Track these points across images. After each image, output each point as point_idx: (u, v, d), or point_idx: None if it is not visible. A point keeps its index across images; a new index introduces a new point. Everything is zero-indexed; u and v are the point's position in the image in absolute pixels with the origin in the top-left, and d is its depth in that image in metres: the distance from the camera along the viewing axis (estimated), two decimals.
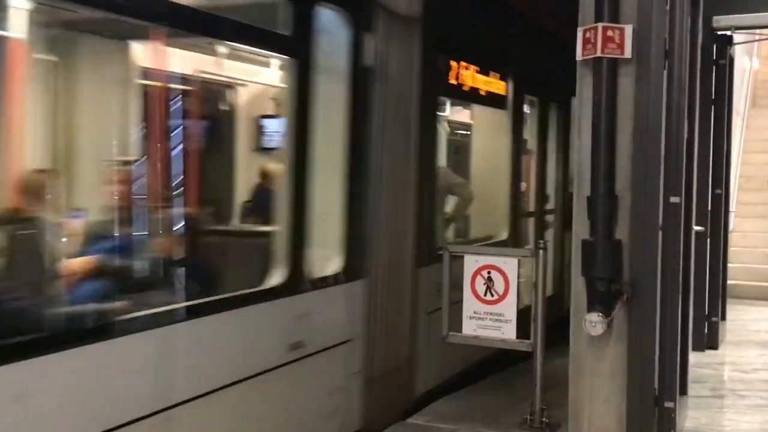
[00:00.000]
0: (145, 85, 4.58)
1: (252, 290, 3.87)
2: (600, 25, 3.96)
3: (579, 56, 4.09)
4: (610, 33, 3.95)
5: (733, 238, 9.92)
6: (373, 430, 4.66)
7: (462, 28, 6.11)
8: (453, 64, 6.06)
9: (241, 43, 4.51)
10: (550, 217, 8.27)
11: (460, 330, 4.93)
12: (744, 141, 12.34)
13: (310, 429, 4.21)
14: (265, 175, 5.87)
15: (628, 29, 3.96)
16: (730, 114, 7.50)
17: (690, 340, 5.29)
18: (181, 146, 4.87)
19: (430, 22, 5.19)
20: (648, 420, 4.14)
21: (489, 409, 5.17)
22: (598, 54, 3.97)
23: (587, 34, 4.01)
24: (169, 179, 4.49)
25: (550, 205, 8.31)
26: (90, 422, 2.92)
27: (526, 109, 7.56)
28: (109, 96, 4.95)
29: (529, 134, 7.81)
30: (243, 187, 6.32)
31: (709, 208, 6.78)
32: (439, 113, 6.36)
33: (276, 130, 6.24)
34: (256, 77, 6.31)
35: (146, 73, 4.52)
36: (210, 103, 6.08)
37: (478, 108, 7.50)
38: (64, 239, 3.66)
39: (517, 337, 4.81)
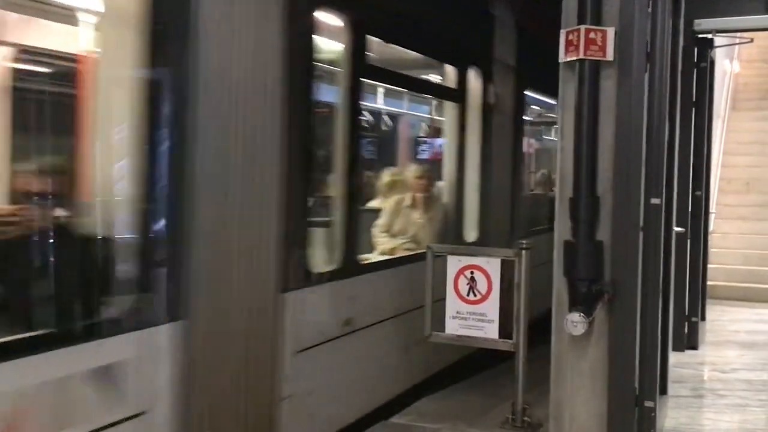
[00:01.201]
0: None
1: None
2: (582, 27, 3.99)
3: (562, 58, 4.12)
4: (592, 35, 3.98)
5: (713, 240, 10.01)
6: None
7: None
8: None
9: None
10: None
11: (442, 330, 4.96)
12: (724, 143, 12.47)
13: None
14: None
15: (610, 32, 4.00)
16: (710, 117, 7.57)
17: (670, 340, 5.34)
18: None
19: None
20: (628, 419, 4.17)
21: (471, 408, 5.19)
22: (581, 56, 4.00)
23: (570, 36, 4.04)
24: None
25: None
26: None
27: None
28: None
29: None
30: None
31: (690, 210, 6.85)
32: None
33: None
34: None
35: None
36: None
37: None
38: None
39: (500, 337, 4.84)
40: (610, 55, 4.01)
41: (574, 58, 4.03)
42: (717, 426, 4.89)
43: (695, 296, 7.06)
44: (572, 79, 4.12)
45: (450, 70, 6.44)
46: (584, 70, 4.04)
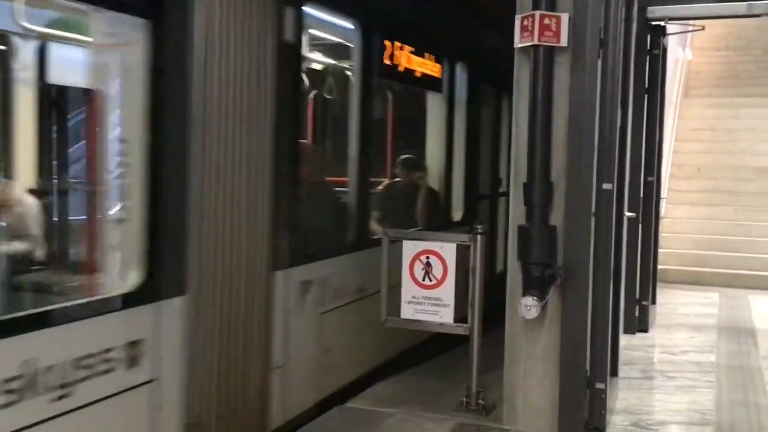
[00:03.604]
0: None
1: None
2: (537, 12, 4.02)
3: (516, 43, 4.15)
4: (546, 21, 4.01)
5: (664, 225, 10.20)
6: None
7: None
8: None
9: None
10: None
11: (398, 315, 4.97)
12: (676, 130, 12.68)
13: None
14: None
15: (565, 17, 4.03)
16: (662, 103, 7.68)
17: (621, 323, 5.44)
18: None
19: None
20: (580, 401, 4.25)
21: (427, 392, 5.22)
22: (535, 42, 4.03)
23: (525, 22, 4.07)
24: None
25: None
26: None
27: None
28: None
29: None
30: None
31: (641, 195, 6.95)
32: None
33: None
34: None
35: None
36: None
37: None
38: None
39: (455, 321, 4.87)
40: (564, 41, 4.04)
41: (529, 43, 4.06)
42: (666, 407, 4.99)
43: (646, 280, 7.18)
44: (526, 64, 4.15)
45: None
46: (538, 56, 4.07)
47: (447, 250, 4.87)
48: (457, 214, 7.15)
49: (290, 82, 4.28)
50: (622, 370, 5.35)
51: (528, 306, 4.10)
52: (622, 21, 4.52)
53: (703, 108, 13.57)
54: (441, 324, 4.90)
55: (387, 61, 5.26)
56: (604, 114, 4.23)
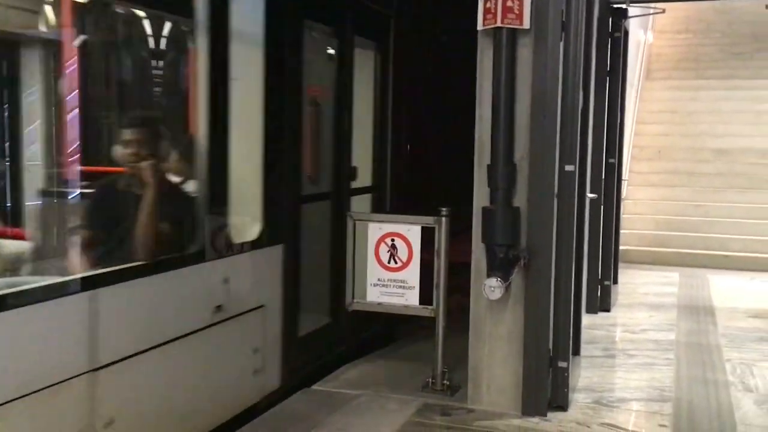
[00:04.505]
0: None
1: None
2: None
3: (480, 26, 4.16)
4: (509, 3, 4.03)
5: (626, 206, 10.34)
6: None
7: None
8: None
9: None
10: None
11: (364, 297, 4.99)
12: (637, 112, 12.82)
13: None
14: None
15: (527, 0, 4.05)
16: (624, 86, 7.76)
17: (584, 303, 5.51)
18: None
19: None
20: (543, 380, 4.32)
21: (393, 374, 5.25)
22: (498, 24, 4.05)
23: (488, 4, 4.08)
24: None
25: None
26: None
27: None
28: None
29: None
30: None
31: (603, 177, 7.03)
32: None
33: None
34: None
35: None
36: None
37: None
38: None
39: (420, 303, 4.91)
40: (526, 24, 4.07)
41: (492, 26, 4.08)
42: (627, 384, 5.08)
43: (608, 260, 7.28)
44: (489, 47, 4.16)
45: None
46: (501, 38, 4.09)
47: (412, 232, 4.90)
48: (249, 231, 4.41)
49: None
50: (585, 348, 5.43)
51: (492, 287, 4.14)
52: (583, 3, 4.56)
53: (664, 90, 13.73)
54: (406, 306, 4.93)
55: None
56: (567, 96, 4.27)
